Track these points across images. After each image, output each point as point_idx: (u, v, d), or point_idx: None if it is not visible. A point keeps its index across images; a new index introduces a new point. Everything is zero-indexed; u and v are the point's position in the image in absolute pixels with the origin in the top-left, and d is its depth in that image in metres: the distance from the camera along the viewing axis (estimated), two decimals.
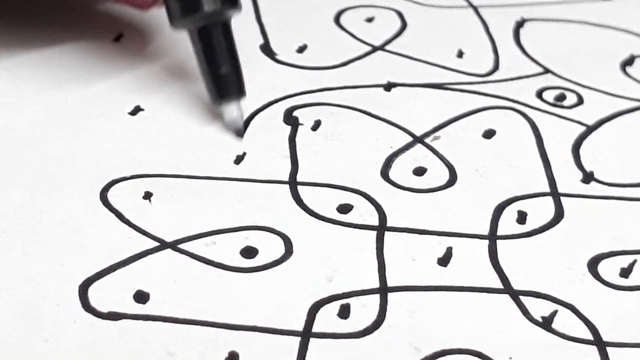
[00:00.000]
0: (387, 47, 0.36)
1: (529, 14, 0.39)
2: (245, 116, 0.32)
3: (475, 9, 0.39)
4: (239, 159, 0.30)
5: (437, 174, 0.30)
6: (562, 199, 0.30)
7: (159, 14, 0.35)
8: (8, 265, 0.26)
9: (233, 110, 0.31)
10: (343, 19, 0.38)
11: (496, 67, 0.36)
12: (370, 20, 0.38)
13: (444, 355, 0.24)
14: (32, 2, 0.37)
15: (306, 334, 0.25)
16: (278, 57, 0.35)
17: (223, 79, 0.31)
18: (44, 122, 0.31)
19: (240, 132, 0.31)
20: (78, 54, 0.35)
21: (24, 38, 0.35)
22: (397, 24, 0.38)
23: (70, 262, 0.26)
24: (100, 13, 0.37)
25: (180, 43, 0.35)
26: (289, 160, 0.31)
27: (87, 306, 0.25)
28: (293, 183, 0.30)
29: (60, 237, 0.27)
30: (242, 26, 0.36)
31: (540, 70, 0.36)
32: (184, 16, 0.31)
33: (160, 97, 0.33)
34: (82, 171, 0.29)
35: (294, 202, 0.29)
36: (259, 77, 0.34)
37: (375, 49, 0.36)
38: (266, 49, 0.36)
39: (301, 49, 0.36)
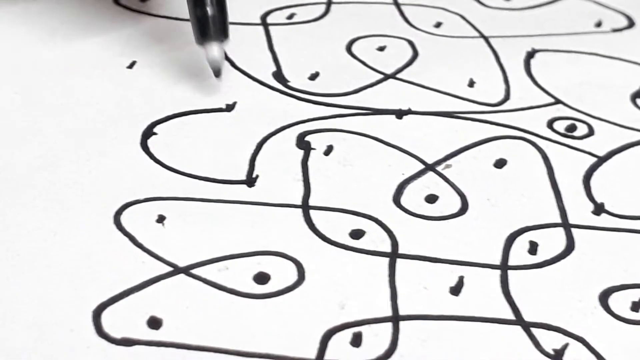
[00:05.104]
0: (399, 76, 0.37)
1: (540, 44, 0.39)
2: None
3: (486, 39, 0.39)
4: (251, 182, 0.31)
5: (449, 202, 0.31)
6: (573, 230, 0.30)
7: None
8: (21, 289, 0.26)
9: (214, 51, 0.33)
10: (355, 48, 0.38)
11: (507, 97, 0.36)
12: (381, 49, 0.38)
13: None
14: None
15: None
16: (290, 84, 0.35)
17: (207, 20, 0.33)
18: (56, 145, 0.31)
19: (218, 73, 0.33)
20: (92, 80, 0.35)
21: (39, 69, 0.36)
22: (409, 53, 0.38)
23: (83, 287, 0.26)
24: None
25: (202, 71, 0.36)
26: (301, 183, 0.31)
27: (100, 332, 0.25)
28: (306, 207, 0.30)
29: (74, 261, 0.27)
30: (254, 54, 0.37)
31: (551, 100, 0.36)
32: None
33: (173, 121, 0.33)
34: (96, 194, 0.29)
35: (306, 227, 0.29)
36: (271, 103, 0.34)
37: (386, 77, 0.36)
38: (278, 76, 0.36)
39: (313, 77, 0.36)
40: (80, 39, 0.37)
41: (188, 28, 0.36)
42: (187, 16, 0.36)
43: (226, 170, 0.31)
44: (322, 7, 0.41)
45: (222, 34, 0.34)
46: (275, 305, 0.26)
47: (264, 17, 0.40)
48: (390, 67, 0.37)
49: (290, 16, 0.40)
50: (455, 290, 0.27)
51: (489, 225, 0.30)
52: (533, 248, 0.29)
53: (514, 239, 0.29)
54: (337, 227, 0.29)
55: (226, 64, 0.35)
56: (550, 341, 0.26)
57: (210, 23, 0.33)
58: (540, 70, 0.38)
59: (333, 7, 0.41)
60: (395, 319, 0.26)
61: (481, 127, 0.34)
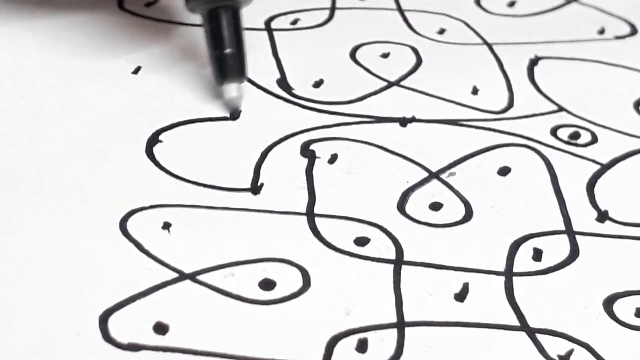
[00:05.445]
0: (403, 83, 0.37)
1: (543, 52, 0.39)
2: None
3: (489, 46, 0.40)
4: (256, 190, 0.31)
5: (453, 210, 0.31)
6: (577, 237, 0.30)
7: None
8: (28, 294, 0.26)
9: (233, 90, 0.34)
10: (359, 55, 0.38)
11: (511, 104, 0.36)
12: (385, 56, 0.38)
13: None
14: None
15: None
16: (295, 92, 0.36)
17: (226, 60, 0.34)
18: (62, 151, 0.31)
19: (236, 112, 0.33)
20: (97, 85, 0.35)
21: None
22: (412, 60, 0.38)
23: (89, 292, 0.26)
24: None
25: (206, 77, 0.36)
26: (306, 191, 0.31)
27: (107, 337, 0.25)
28: (310, 214, 0.30)
29: (80, 267, 0.27)
30: (259, 61, 0.37)
31: (555, 108, 0.36)
32: None
33: (178, 129, 0.33)
34: (101, 200, 0.29)
35: (311, 234, 0.29)
36: (275, 112, 0.34)
37: (390, 84, 0.37)
38: (283, 84, 0.36)
39: (317, 84, 0.36)
40: (85, 44, 0.37)
41: (192, 32, 0.36)
42: (191, 21, 0.36)
43: (231, 178, 0.31)
44: (326, 13, 0.41)
45: (241, 73, 0.34)
46: (280, 311, 0.26)
47: (268, 22, 0.40)
48: (394, 74, 0.37)
49: (295, 21, 0.40)
50: (460, 296, 0.27)
51: (494, 232, 0.30)
52: (537, 255, 0.29)
53: (519, 245, 0.29)
54: (342, 234, 0.29)
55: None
56: (555, 347, 0.26)
57: (229, 63, 0.34)
58: (544, 77, 0.38)
59: (337, 12, 0.41)
60: (401, 325, 0.26)
61: (485, 134, 0.34)
